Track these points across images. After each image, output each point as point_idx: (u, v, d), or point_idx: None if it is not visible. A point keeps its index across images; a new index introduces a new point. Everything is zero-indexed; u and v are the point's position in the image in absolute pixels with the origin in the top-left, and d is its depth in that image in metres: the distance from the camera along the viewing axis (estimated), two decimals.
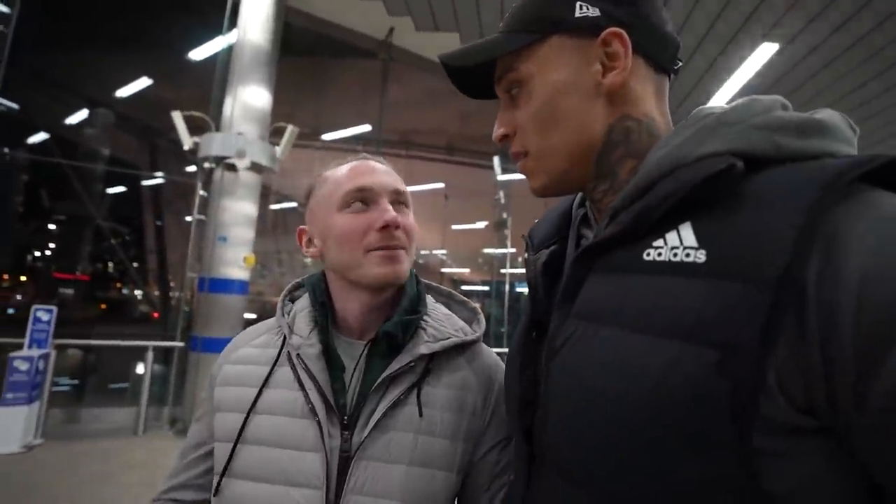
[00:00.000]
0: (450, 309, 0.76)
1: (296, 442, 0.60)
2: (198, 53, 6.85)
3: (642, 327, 0.37)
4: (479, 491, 0.65)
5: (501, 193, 8.74)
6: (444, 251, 20.90)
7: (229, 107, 5.02)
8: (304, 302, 0.72)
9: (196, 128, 4.98)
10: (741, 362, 0.32)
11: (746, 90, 6.60)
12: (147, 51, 8.23)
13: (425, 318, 0.69)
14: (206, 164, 4.92)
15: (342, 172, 0.69)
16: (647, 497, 0.35)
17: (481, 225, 14.00)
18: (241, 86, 5.07)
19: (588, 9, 0.47)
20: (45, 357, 4.00)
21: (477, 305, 0.77)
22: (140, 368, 4.79)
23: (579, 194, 0.59)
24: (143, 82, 8.73)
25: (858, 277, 0.30)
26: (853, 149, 0.40)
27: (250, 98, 5.10)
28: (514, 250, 8.87)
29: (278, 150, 5.19)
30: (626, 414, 0.36)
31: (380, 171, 0.69)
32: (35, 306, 4.10)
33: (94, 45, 8.36)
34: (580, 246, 0.52)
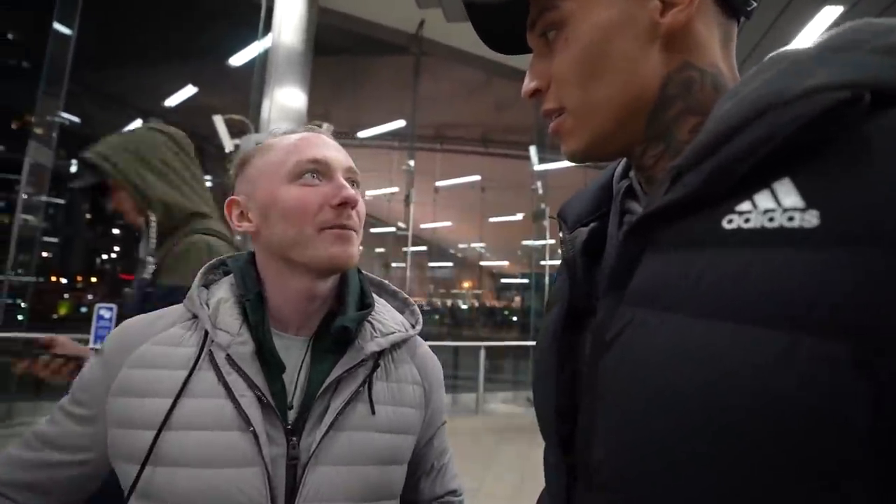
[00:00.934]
0: (381, 298, 0.71)
1: (229, 458, 0.52)
2: (237, 59, 7.10)
3: (731, 314, 0.28)
4: (423, 475, 0.69)
5: (539, 184, 8.54)
6: (482, 244, 20.83)
7: (267, 109, 5.16)
8: (224, 289, 0.62)
9: (238, 131, 5.16)
10: (886, 355, 0.23)
11: None
12: (191, 60, 8.64)
13: (375, 310, 0.65)
14: None
15: (291, 140, 0.61)
16: None
17: (519, 216, 13.79)
18: (278, 88, 5.20)
19: None
20: None
21: (406, 295, 0.73)
22: None
23: (621, 163, 0.49)
24: (189, 91, 9.16)
25: None
26: None
27: (286, 99, 5.22)
28: (552, 241, 8.66)
29: None
30: (714, 428, 0.27)
31: (334, 146, 0.63)
32: (98, 304, 4.39)
33: (142, 59, 8.87)
34: (624, 222, 0.44)
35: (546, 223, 8.19)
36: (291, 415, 0.56)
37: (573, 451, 0.38)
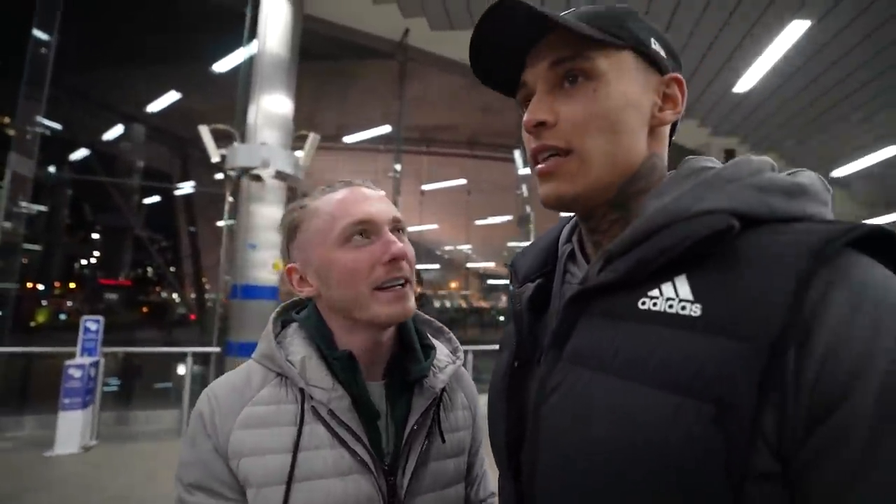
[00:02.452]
0: (431, 335, 0.76)
1: (359, 498, 0.58)
2: (222, 65, 7.07)
3: (639, 377, 0.37)
4: (470, 485, 0.73)
5: (524, 187, 8.67)
6: (469, 246, 20.93)
7: (252, 115, 5.17)
8: (300, 345, 0.64)
9: (222, 137, 5.16)
10: (737, 418, 0.33)
11: (778, 71, 6.30)
12: (175, 66, 8.55)
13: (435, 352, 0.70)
14: (233, 174, 5.09)
15: (335, 203, 0.63)
16: None
17: (505, 219, 13.93)
18: (263, 94, 5.22)
19: (659, 47, 0.48)
20: (96, 364, 4.26)
21: (441, 324, 0.78)
22: (181, 369, 5.04)
23: (566, 229, 0.58)
24: (173, 96, 9.07)
25: (827, 345, 0.33)
26: (828, 209, 0.43)
27: (272, 106, 5.24)
28: None
29: (301, 157, 5.32)
30: (624, 464, 0.36)
31: (376, 199, 0.64)
32: (84, 317, 4.37)
33: (125, 63, 8.74)
34: (565, 282, 0.53)
35: (531, 226, 8.32)
36: (388, 458, 0.62)
37: (520, 480, 0.46)
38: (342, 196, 0.64)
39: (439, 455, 0.65)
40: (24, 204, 5.61)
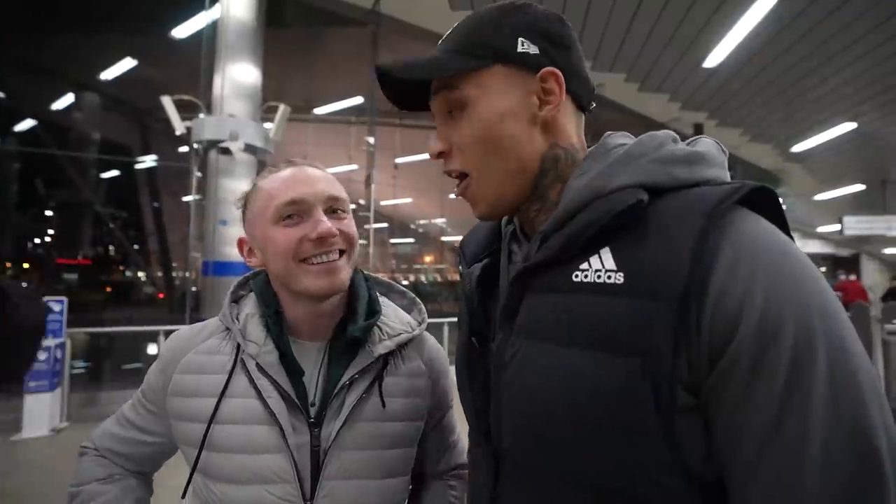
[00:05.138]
0: (389, 299, 0.80)
1: (261, 446, 0.63)
2: (181, 31, 6.66)
3: (578, 342, 0.44)
4: (435, 452, 0.79)
5: None
6: (443, 219, 20.92)
7: (219, 86, 4.94)
8: (251, 305, 0.72)
9: (187, 108, 4.92)
10: (659, 367, 0.39)
11: (746, 46, 6.43)
12: (128, 30, 7.98)
13: (382, 317, 0.73)
14: (200, 147, 4.89)
15: (275, 184, 0.68)
16: (595, 480, 0.43)
17: None
18: (229, 63, 4.98)
19: (528, 46, 0.51)
20: (62, 346, 4.12)
21: (413, 295, 0.82)
22: (152, 349, 4.94)
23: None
24: (128, 63, 8.51)
25: (717, 291, 0.39)
26: (724, 171, 0.50)
27: (239, 75, 5.01)
28: None
29: (271, 129, 5.15)
30: (574, 420, 0.43)
31: (314, 179, 0.68)
32: (46, 298, 4.19)
33: (73, 28, 8.10)
34: (511, 261, 0.58)
35: None
36: (313, 410, 0.67)
37: (492, 440, 0.52)
38: (282, 176, 0.69)
39: (378, 416, 0.68)
40: None
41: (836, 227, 12.38)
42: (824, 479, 0.36)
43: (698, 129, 10.09)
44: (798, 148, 10.18)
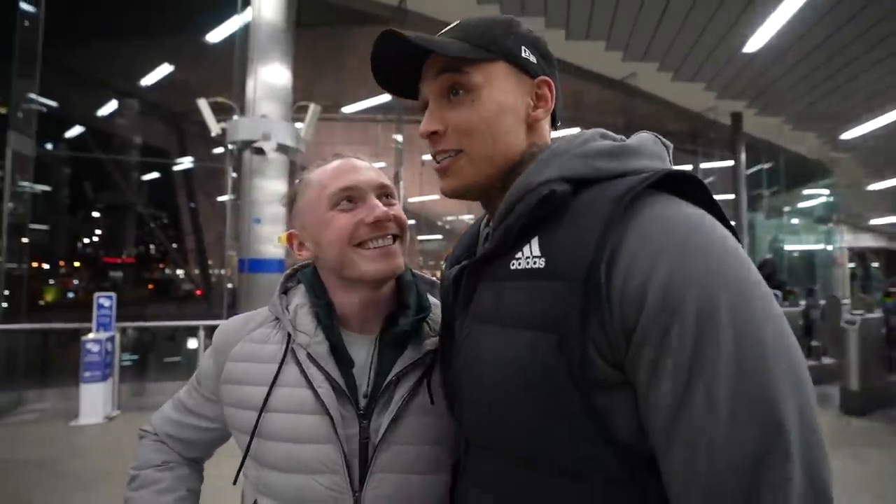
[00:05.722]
0: (434, 297, 0.79)
1: (311, 436, 0.64)
2: (215, 35, 6.87)
3: (510, 322, 0.48)
4: None
5: None
6: (470, 216, 20.88)
7: (251, 87, 5.08)
8: (300, 296, 0.73)
9: (221, 110, 5.08)
10: (571, 341, 0.43)
11: (788, 31, 6.10)
12: (166, 38, 8.30)
13: (432, 313, 0.74)
14: (234, 148, 5.05)
15: (325, 174, 0.70)
16: (534, 452, 0.46)
17: None
18: (261, 65, 5.11)
19: (530, 55, 0.57)
20: (111, 339, 4.36)
21: None
22: (192, 343, 5.15)
23: (486, 216, 0.66)
24: (165, 69, 8.86)
25: (624, 270, 0.43)
26: (663, 161, 0.53)
27: (271, 77, 5.14)
28: None
29: (302, 129, 5.25)
30: (509, 393, 0.47)
31: (363, 168, 0.70)
32: (97, 294, 4.44)
33: (114, 36, 8.49)
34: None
35: None
36: (363, 402, 0.67)
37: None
38: (332, 166, 0.71)
39: (425, 412, 0.67)
40: (26, 184, 5.59)
41: (891, 219, 11.62)
42: (731, 450, 0.37)
43: (736, 118, 9.67)
44: (847, 136, 9.61)
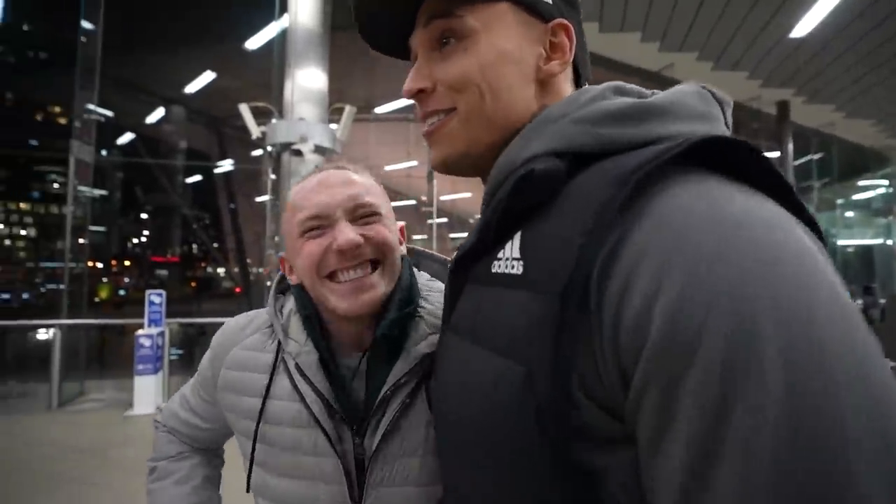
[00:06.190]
0: (443, 279, 0.69)
1: (309, 449, 0.60)
2: (254, 42, 7.13)
3: (484, 342, 0.36)
4: None
5: None
6: None
7: (289, 91, 5.23)
8: (293, 301, 0.67)
9: (261, 114, 5.27)
10: (541, 378, 0.31)
11: (837, 15, 5.75)
12: (208, 46, 8.67)
13: (421, 305, 0.65)
14: (273, 150, 5.23)
15: (298, 196, 0.63)
16: None
17: None
18: (298, 69, 5.26)
19: None
20: (162, 334, 4.61)
21: None
22: None
23: None
24: (208, 76, 9.25)
25: (620, 286, 0.29)
26: (713, 124, 0.37)
27: (307, 81, 5.28)
28: None
29: (338, 131, 5.38)
30: (466, 429, 0.36)
31: (338, 186, 0.61)
32: (148, 291, 4.70)
33: (160, 46, 8.95)
34: None
35: None
36: (356, 417, 0.61)
37: None
38: (307, 186, 0.63)
39: (425, 422, 0.60)
40: (85, 189, 5.99)
41: None
42: None
43: (783, 108, 9.20)
44: None
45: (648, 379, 0.27)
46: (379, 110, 9.50)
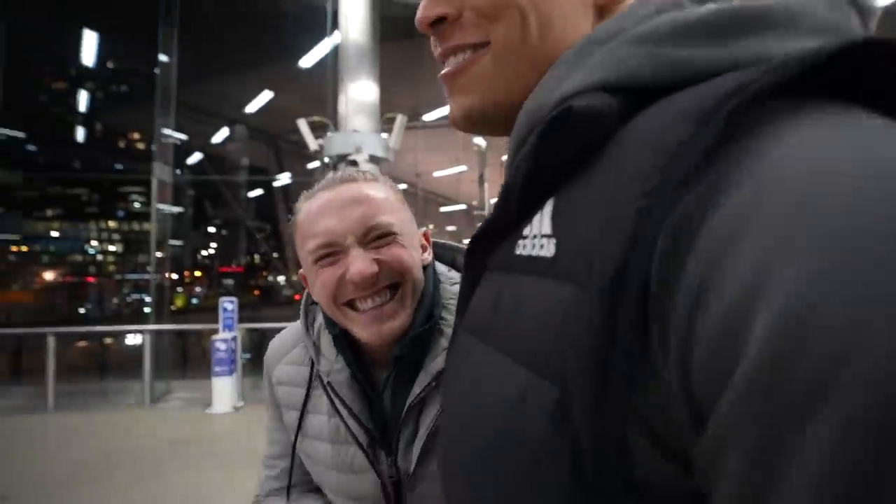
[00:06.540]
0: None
1: (347, 465, 0.60)
2: (307, 60, 7.52)
3: (505, 347, 0.27)
4: None
5: None
6: None
7: (343, 104, 5.48)
8: (322, 315, 0.65)
9: (316, 128, 5.55)
10: (581, 406, 0.21)
11: None
12: (265, 67, 9.26)
13: (443, 317, 0.61)
14: (330, 161, 5.48)
15: (307, 219, 0.59)
16: None
17: None
18: (350, 83, 5.49)
19: None
20: (234, 338, 4.95)
21: None
22: None
23: None
24: (266, 95, 9.85)
25: (696, 282, 0.18)
26: (826, 36, 0.24)
27: (360, 94, 5.50)
28: None
29: (390, 140, 5.56)
30: (477, 455, 0.27)
31: (346, 206, 0.57)
32: (221, 298, 5.07)
33: (223, 72, 9.65)
34: None
35: None
36: (387, 434, 0.60)
37: None
38: (314, 209, 0.59)
39: None
40: (164, 206, 6.58)
41: None
42: None
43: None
44: None
45: (737, 421, 0.16)
46: (426, 118, 9.67)
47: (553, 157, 0.26)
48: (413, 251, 0.60)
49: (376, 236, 0.57)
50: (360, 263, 0.55)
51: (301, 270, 0.64)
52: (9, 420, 4.52)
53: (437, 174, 11.41)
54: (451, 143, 10.13)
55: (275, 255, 18.91)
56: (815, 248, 0.15)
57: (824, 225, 0.16)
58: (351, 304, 0.57)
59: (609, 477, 0.20)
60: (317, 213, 0.58)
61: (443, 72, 0.35)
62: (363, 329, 0.57)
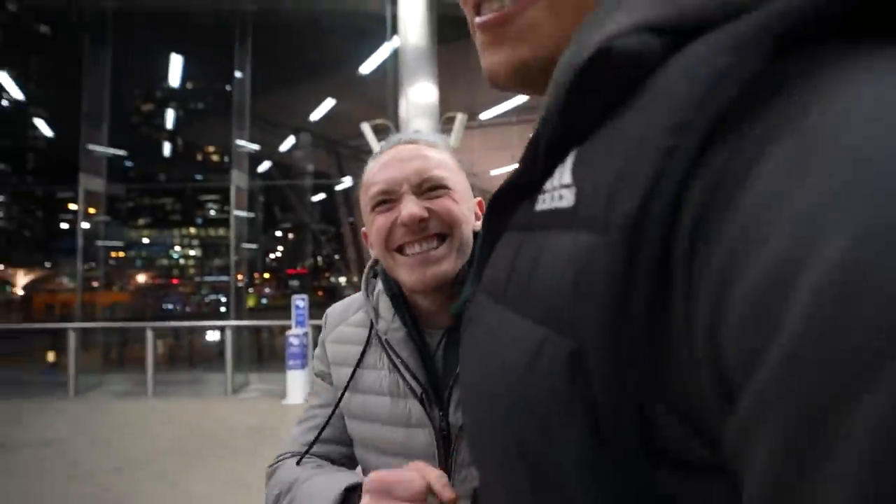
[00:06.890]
0: None
1: (404, 419, 0.62)
2: (367, 66, 7.78)
3: (521, 307, 0.26)
4: None
5: None
6: None
7: (403, 107, 5.60)
8: (381, 281, 0.70)
9: (379, 131, 5.72)
10: (596, 361, 0.20)
11: None
12: (328, 76, 9.69)
13: None
14: None
15: (370, 173, 0.65)
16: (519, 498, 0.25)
17: None
18: (410, 86, 5.60)
19: None
20: (306, 334, 5.22)
21: None
22: None
23: None
24: (329, 103, 10.30)
25: (737, 232, 0.16)
26: None
27: (419, 97, 5.60)
28: None
29: (451, 139, 5.61)
30: (494, 413, 0.27)
31: (406, 160, 0.62)
32: (294, 296, 5.37)
33: (289, 82, 10.23)
34: None
35: None
36: (439, 391, 0.63)
37: None
38: (379, 162, 0.64)
39: None
40: (240, 212, 7.10)
41: None
42: None
43: None
44: None
45: (773, 398, 0.14)
46: (483, 116, 9.66)
47: (587, 102, 0.24)
48: (465, 208, 0.63)
49: (430, 187, 0.61)
50: (411, 206, 0.59)
51: (364, 228, 0.69)
52: (119, 403, 5.09)
53: (494, 172, 11.38)
54: (507, 141, 10.04)
55: (336, 256, 19.74)
56: (879, 203, 0.13)
57: (886, 190, 0.13)
58: (400, 250, 0.61)
59: (627, 440, 0.19)
60: (381, 165, 0.64)
61: (482, 18, 0.32)
62: (410, 273, 0.60)
